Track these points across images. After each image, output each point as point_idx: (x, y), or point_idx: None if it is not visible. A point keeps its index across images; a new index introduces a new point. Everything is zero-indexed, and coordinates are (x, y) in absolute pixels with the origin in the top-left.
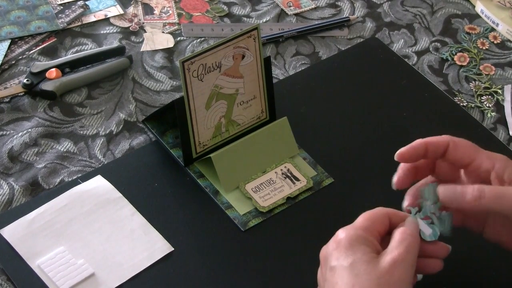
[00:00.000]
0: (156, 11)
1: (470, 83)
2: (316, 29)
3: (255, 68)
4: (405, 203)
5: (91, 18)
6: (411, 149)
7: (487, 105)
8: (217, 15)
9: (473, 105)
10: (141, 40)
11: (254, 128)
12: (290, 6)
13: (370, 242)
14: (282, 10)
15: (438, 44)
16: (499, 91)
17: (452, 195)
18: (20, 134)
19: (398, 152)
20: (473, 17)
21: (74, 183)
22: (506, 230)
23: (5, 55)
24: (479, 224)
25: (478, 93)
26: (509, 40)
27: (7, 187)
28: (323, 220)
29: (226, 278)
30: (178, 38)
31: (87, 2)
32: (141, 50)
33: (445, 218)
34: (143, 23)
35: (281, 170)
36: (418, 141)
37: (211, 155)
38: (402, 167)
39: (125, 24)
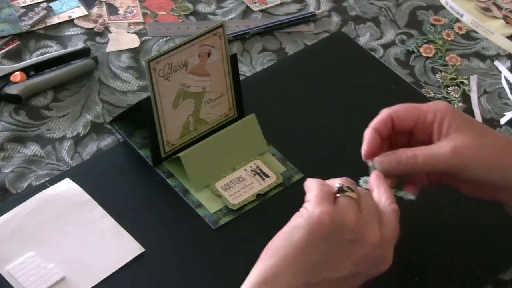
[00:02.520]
0: (121, 11)
1: (437, 75)
2: (282, 25)
3: (222, 66)
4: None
5: (55, 20)
6: (369, 143)
7: (454, 96)
8: (183, 13)
9: (440, 96)
10: (106, 40)
11: (222, 126)
12: (255, 3)
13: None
14: (247, 6)
15: (404, 37)
16: (466, 81)
17: (388, 165)
18: None
19: (363, 153)
20: (438, 8)
21: (42, 187)
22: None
23: None
24: (436, 176)
25: (444, 84)
26: (474, 31)
27: None
28: (293, 215)
29: (198, 277)
30: (144, 38)
31: (50, 4)
32: (106, 50)
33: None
34: (107, 23)
35: (251, 167)
36: (367, 132)
37: (179, 154)
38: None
39: (90, 25)
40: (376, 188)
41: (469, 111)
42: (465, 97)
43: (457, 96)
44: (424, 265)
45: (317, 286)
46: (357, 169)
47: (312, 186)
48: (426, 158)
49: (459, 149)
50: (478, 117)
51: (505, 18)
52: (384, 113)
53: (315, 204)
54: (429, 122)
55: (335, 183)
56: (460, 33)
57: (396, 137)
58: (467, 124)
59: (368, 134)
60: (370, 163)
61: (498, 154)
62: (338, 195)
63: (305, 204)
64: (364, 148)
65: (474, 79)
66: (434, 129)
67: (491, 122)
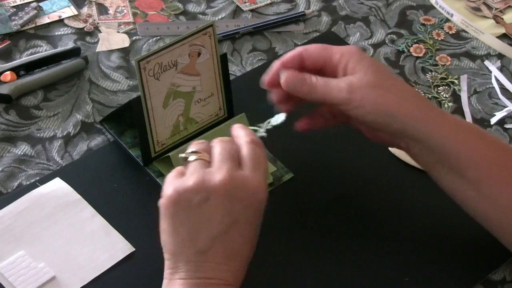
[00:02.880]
0: (111, 11)
1: (427, 74)
2: (272, 25)
3: (212, 66)
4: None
5: (45, 20)
6: (273, 75)
7: (444, 95)
8: (173, 13)
9: (430, 96)
10: (96, 40)
11: (212, 125)
12: (245, 2)
13: None
14: (237, 6)
15: (394, 36)
16: (456, 81)
17: (292, 81)
18: None
19: (263, 80)
20: (428, 8)
21: (33, 186)
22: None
23: None
24: (343, 116)
25: (435, 83)
26: (464, 30)
27: None
28: (283, 215)
29: None
30: (134, 38)
31: (40, 4)
32: (96, 50)
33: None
34: (98, 23)
35: None
36: (276, 64)
37: (170, 153)
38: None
39: (80, 25)
40: (234, 131)
41: (459, 110)
42: (456, 97)
43: (447, 95)
44: (414, 265)
45: (211, 250)
46: (347, 167)
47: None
48: (324, 87)
49: (354, 86)
50: (468, 116)
51: (495, 17)
52: (295, 50)
53: (164, 188)
54: (336, 63)
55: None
56: (450, 32)
57: None
58: (371, 67)
59: (275, 65)
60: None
61: (393, 100)
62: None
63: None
64: (266, 77)
65: (464, 78)
66: (339, 70)
67: (482, 122)
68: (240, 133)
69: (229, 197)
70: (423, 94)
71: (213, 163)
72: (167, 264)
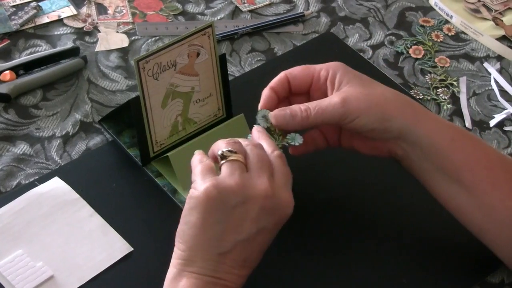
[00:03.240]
0: (110, 11)
1: (426, 76)
2: (271, 25)
3: (211, 66)
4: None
5: (45, 19)
6: (264, 102)
7: (443, 97)
8: (171, 13)
9: (429, 97)
10: (95, 40)
11: (211, 125)
12: (244, 3)
13: None
14: (236, 7)
15: (393, 38)
16: (455, 83)
17: (283, 119)
18: None
19: (259, 108)
20: (427, 9)
21: (31, 185)
22: (354, 136)
23: None
24: (335, 137)
25: (433, 85)
26: (463, 32)
27: None
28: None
29: None
30: (133, 38)
31: (40, 3)
32: (95, 50)
33: (294, 136)
34: (97, 23)
35: None
36: (264, 90)
37: (168, 154)
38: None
39: (79, 25)
40: (256, 137)
41: (458, 112)
42: (454, 99)
43: (446, 97)
44: (412, 267)
45: (231, 253)
46: (347, 168)
47: (194, 163)
48: (318, 110)
49: (348, 99)
50: (467, 118)
51: (494, 19)
52: (281, 74)
53: (199, 181)
54: (323, 80)
55: (217, 150)
56: (449, 34)
57: (294, 100)
58: (356, 78)
59: (265, 92)
60: (259, 116)
61: (386, 103)
62: (222, 161)
63: (193, 184)
64: (260, 104)
65: (463, 80)
66: (327, 86)
67: (481, 124)
68: (264, 143)
69: (264, 208)
70: (419, 97)
71: (251, 169)
72: (179, 254)
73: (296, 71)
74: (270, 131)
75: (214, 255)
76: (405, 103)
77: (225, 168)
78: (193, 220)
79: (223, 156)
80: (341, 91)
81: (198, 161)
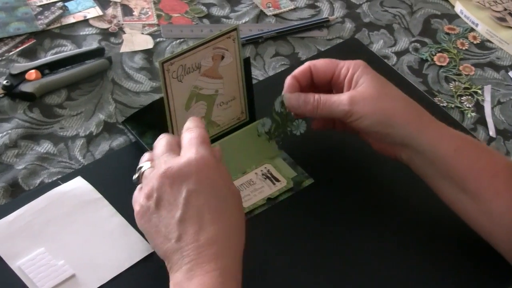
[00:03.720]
0: (135, 13)
1: (450, 84)
2: (296, 30)
3: (235, 69)
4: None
5: (70, 20)
6: (288, 88)
7: (467, 105)
8: (196, 16)
9: (453, 105)
10: (120, 41)
11: (233, 129)
12: (269, 7)
13: None
14: (261, 11)
15: (418, 45)
16: (479, 91)
17: (296, 102)
18: (0, 136)
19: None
20: (453, 17)
21: (54, 184)
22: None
23: None
24: (354, 130)
25: (458, 93)
26: (488, 40)
27: None
28: (303, 221)
29: None
30: (157, 39)
31: (66, 4)
32: (120, 51)
33: (299, 123)
34: (122, 24)
35: (261, 171)
36: (288, 78)
37: None
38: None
39: (104, 26)
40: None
41: (482, 121)
42: (479, 107)
43: (470, 105)
44: (436, 273)
45: (184, 233)
46: (368, 173)
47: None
48: (326, 103)
49: (356, 99)
50: (491, 127)
51: None
52: (305, 64)
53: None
54: (343, 77)
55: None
56: (475, 42)
57: (317, 92)
58: (372, 80)
59: (288, 79)
60: (278, 100)
61: (392, 109)
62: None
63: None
64: (284, 90)
65: (487, 89)
66: (345, 82)
67: (505, 133)
68: (185, 125)
69: (171, 184)
70: (443, 104)
71: (155, 164)
72: (168, 268)
73: (320, 64)
74: (282, 115)
75: (173, 246)
76: (412, 111)
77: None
78: (148, 239)
79: (138, 177)
80: (352, 90)
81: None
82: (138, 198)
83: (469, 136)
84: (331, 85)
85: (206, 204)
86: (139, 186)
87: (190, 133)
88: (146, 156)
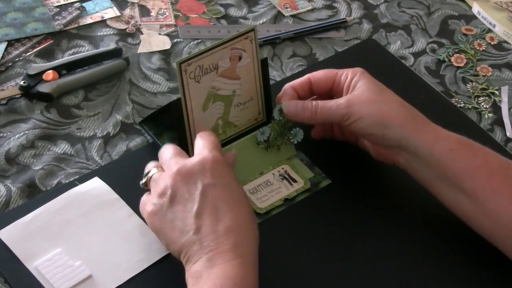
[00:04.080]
0: (153, 13)
1: (467, 84)
2: (313, 31)
3: (252, 70)
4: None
5: (88, 20)
6: (286, 94)
7: (484, 106)
8: (214, 16)
9: (470, 106)
10: (137, 42)
11: (251, 129)
12: (286, 8)
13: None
14: (278, 11)
15: (435, 45)
16: (496, 92)
17: (294, 109)
18: (17, 136)
19: (277, 99)
20: (470, 18)
21: (71, 185)
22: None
23: (2, 57)
24: (353, 138)
25: (475, 94)
26: (505, 41)
27: (4, 189)
28: (320, 221)
29: None
30: (175, 40)
31: (83, 4)
32: (137, 52)
33: (297, 132)
34: (139, 25)
35: (279, 171)
36: (287, 87)
37: None
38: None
39: (122, 26)
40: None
41: (499, 121)
42: (496, 108)
43: (487, 106)
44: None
45: (202, 225)
46: (384, 174)
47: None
48: (324, 108)
49: (353, 101)
50: (508, 128)
51: None
52: (305, 76)
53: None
54: (342, 83)
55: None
56: (492, 43)
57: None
58: (369, 85)
59: (286, 89)
60: (276, 108)
61: (388, 111)
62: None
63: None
64: (279, 95)
65: (505, 90)
66: (344, 88)
67: None
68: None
69: (185, 180)
70: (460, 105)
71: (164, 167)
72: (184, 262)
73: (319, 75)
74: (280, 123)
75: (190, 239)
76: (408, 114)
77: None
78: (159, 239)
79: (145, 183)
80: (349, 94)
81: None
82: (150, 199)
83: (464, 137)
84: (332, 94)
85: (222, 196)
86: (147, 192)
87: (202, 139)
88: (152, 163)
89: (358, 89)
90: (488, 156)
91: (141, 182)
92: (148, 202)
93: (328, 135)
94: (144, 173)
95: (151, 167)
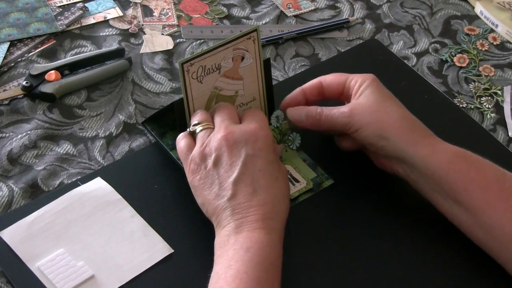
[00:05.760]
0: (156, 13)
1: (470, 84)
2: (316, 31)
3: (255, 70)
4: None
5: (91, 20)
6: (292, 98)
7: (487, 106)
8: (217, 17)
9: (472, 106)
10: (140, 42)
11: None
12: (289, 8)
13: None
14: (281, 11)
15: (438, 45)
16: (499, 92)
17: (298, 116)
18: (19, 137)
19: (283, 102)
20: (473, 18)
21: (74, 185)
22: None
23: (4, 57)
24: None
25: (477, 94)
26: (508, 41)
27: (6, 189)
28: (323, 222)
29: None
30: (178, 40)
31: (86, 4)
32: (140, 52)
33: (295, 137)
34: (142, 25)
35: None
36: (297, 90)
37: None
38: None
39: (125, 26)
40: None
41: (501, 122)
42: (498, 108)
43: (490, 106)
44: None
45: (238, 192)
46: (387, 174)
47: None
48: (328, 115)
49: (355, 110)
50: (510, 128)
51: None
52: (316, 79)
53: (184, 165)
54: (351, 89)
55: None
56: (495, 43)
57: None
58: (375, 92)
59: (294, 91)
60: (273, 115)
61: (387, 122)
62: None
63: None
64: (285, 99)
65: (507, 90)
66: (352, 95)
67: None
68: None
69: (231, 147)
70: (462, 105)
71: (215, 127)
72: (215, 225)
73: (330, 78)
74: (278, 130)
75: (226, 203)
76: (406, 126)
77: (196, 142)
78: (196, 198)
79: (193, 132)
80: (353, 102)
81: (183, 145)
82: (194, 156)
83: (462, 149)
84: (341, 98)
85: (262, 171)
86: (188, 144)
87: (252, 111)
88: (202, 115)
89: (363, 97)
90: (484, 168)
91: (188, 130)
92: (193, 159)
93: (357, 147)
94: (193, 123)
95: (201, 119)
